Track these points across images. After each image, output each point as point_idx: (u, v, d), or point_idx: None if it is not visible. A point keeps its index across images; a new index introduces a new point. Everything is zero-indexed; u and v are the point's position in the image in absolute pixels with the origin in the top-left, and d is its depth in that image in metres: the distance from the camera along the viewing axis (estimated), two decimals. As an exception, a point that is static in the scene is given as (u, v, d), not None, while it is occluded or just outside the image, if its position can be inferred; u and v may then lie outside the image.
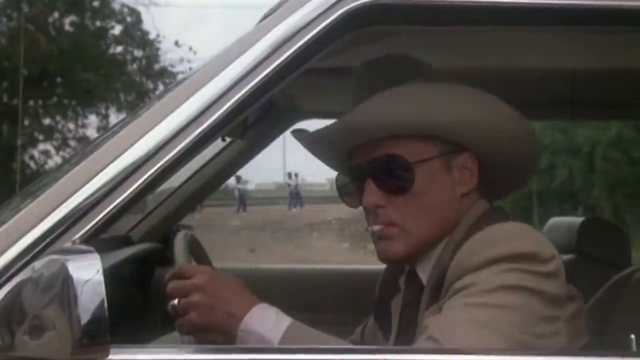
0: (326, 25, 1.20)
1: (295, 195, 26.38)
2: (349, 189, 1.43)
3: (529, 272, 1.19)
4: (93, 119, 16.66)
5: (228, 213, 22.93)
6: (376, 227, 1.34)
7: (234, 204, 24.53)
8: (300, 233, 18.52)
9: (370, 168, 1.34)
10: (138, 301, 2.20)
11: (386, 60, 1.39)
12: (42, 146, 16.11)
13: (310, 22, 1.20)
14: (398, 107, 1.30)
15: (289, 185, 27.55)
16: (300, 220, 21.17)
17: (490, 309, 1.15)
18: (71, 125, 16.61)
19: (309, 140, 1.43)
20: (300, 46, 1.19)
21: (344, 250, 15.50)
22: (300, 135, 1.43)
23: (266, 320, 1.21)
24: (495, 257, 1.20)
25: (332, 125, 1.35)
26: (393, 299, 1.45)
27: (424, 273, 1.35)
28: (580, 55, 1.72)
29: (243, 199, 25.40)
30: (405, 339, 1.31)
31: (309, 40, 1.19)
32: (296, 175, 27.03)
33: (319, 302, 2.51)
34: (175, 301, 1.24)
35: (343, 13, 1.19)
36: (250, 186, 30.51)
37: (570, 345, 1.21)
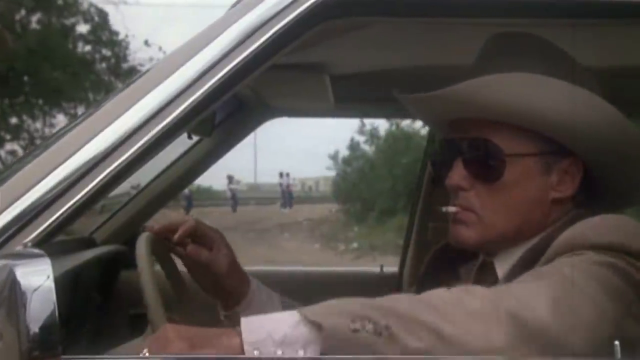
0: (295, 17, 1.14)
1: (287, 194, 26.38)
2: (440, 159, 1.36)
3: (635, 267, 1.14)
4: (61, 119, 16.48)
5: (196, 214, 22.82)
6: (452, 209, 1.30)
7: (205, 204, 24.42)
8: (271, 233, 18.48)
9: (462, 147, 1.29)
10: (101, 306, 2.13)
11: (520, 38, 1.31)
12: (8, 146, 15.89)
13: (278, 13, 1.14)
14: (510, 92, 1.23)
15: (280, 184, 27.62)
16: (271, 220, 21.14)
17: (586, 279, 1.09)
18: (39, 125, 16.41)
19: (411, 102, 1.37)
20: (268, 38, 1.14)
21: (315, 251, 15.48)
22: (403, 96, 1.37)
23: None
24: (601, 244, 1.15)
25: (439, 91, 1.28)
26: (448, 283, 1.39)
27: (502, 268, 1.30)
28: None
29: (235, 199, 25.41)
30: None
31: (277, 32, 1.14)
32: (287, 174, 27.06)
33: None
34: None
35: (313, 4, 1.14)
36: (220, 187, 30.46)
37: None
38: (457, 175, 1.29)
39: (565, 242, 1.17)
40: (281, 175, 27.65)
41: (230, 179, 26.14)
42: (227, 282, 1.46)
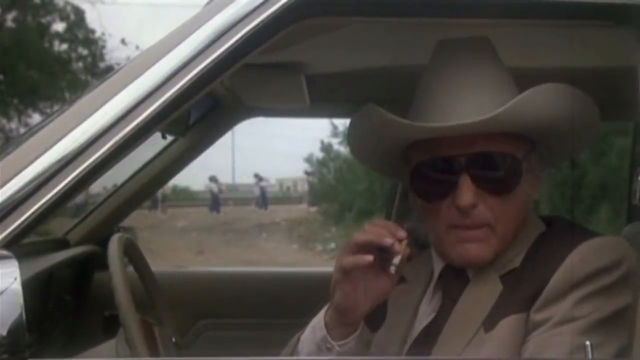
0: (269, 15, 1.13)
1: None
2: (433, 180, 1.28)
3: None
4: (37, 118, 16.32)
5: (177, 214, 22.72)
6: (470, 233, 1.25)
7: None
8: (249, 234, 18.42)
9: (469, 164, 1.24)
10: (74, 308, 2.11)
11: (464, 43, 1.30)
12: (-18, 146, 15.70)
13: (252, 12, 1.13)
14: (550, 105, 1.23)
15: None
16: (249, 221, 21.09)
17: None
18: (14, 125, 16.26)
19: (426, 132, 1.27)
20: (242, 36, 1.13)
21: (293, 252, 15.47)
22: (415, 125, 1.27)
23: None
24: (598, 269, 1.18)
25: (479, 120, 1.21)
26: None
27: (472, 269, 1.29)
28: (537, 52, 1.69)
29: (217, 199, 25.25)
30: (438, 329, 1.27)
31: (250, 30, 1.13)
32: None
33: (269, 305, 2.44)
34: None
35: (286, 3, 1.13)
36: (199, 187, 30.32)
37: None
38: (469, 193, 1.24)
39: (564, 279, 1.19)
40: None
41: (212, 179, 26.12)
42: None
